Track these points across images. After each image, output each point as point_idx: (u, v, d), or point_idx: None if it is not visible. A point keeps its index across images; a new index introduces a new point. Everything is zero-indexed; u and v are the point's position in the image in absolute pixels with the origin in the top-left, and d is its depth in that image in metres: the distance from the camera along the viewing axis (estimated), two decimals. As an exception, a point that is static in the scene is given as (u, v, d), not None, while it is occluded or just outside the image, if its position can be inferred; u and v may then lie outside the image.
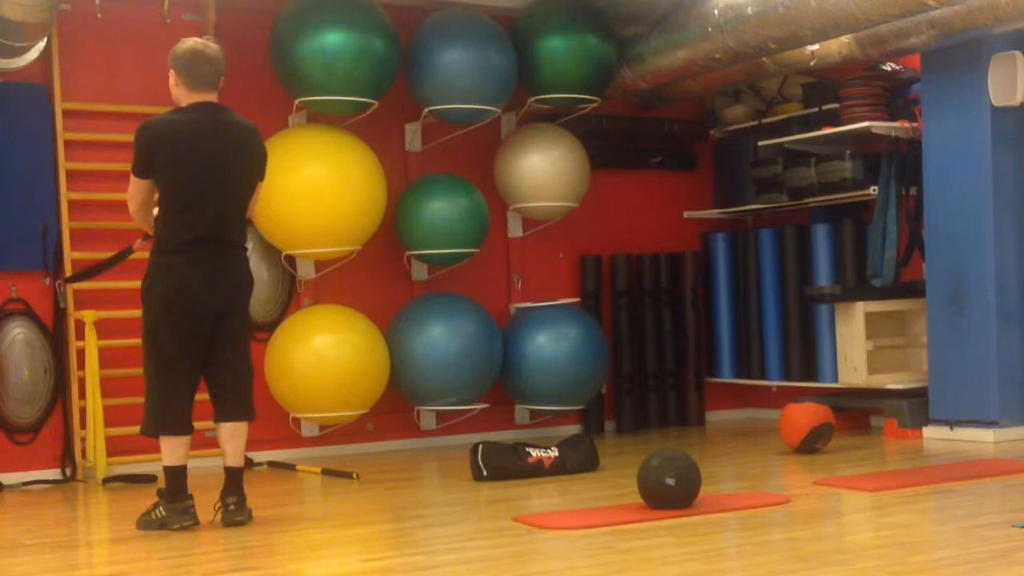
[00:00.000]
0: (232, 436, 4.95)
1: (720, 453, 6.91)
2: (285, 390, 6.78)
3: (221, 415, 4.97)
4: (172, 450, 4.83)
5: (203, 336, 4.85)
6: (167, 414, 4.82)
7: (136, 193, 4.90)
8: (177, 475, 4.82)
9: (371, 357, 6.84)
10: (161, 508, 4.83)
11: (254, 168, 5.02)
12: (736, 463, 6.51)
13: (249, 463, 6.62)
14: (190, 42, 4.94)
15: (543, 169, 7.40)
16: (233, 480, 4.92)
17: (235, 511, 4.89)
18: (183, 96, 4.90)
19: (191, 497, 4.84)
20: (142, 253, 5.69)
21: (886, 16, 5.97)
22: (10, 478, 6.32)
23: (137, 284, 6.47)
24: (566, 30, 7.21)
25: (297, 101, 6.84)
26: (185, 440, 4.86)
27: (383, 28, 6.78)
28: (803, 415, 6.50)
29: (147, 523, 4.84)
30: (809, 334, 7.73)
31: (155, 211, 4.95)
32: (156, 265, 4.86)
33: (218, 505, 4.92)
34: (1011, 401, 6.69)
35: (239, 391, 4.98)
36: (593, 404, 7.83)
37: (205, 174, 4.81)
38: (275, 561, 4.35)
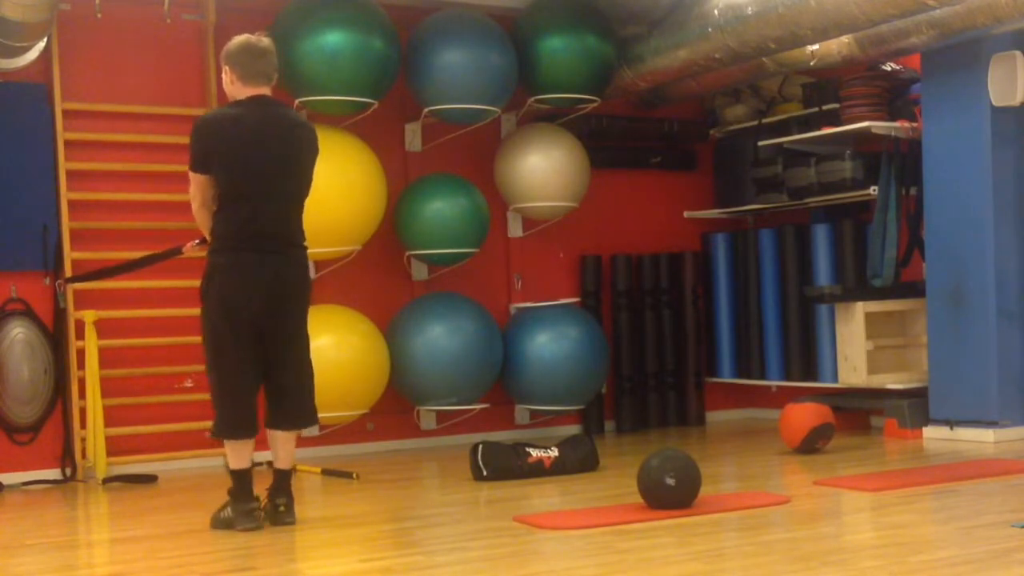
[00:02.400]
0: (286, 441, 4.94)
1: (720, 453, 6.91)
2: (285, 390, 6.78)
3: (276, 422, 4.93)
4: (236, 453, 4.81)
5: (260, 336, 4.79)
6: (235, 417, 4.79)
7: (196, 190, 4.80)
8: (243, 477, 4.80)
9: (371, 357, 6.85)
10: (229, 508, 4.83)
11: (310, 164, 4.95)
12: (736, 463, 6.51)
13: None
14: (242, 37, 4.89)
15: (543, 169, 7.40)
16: (283, 481, 4.91)
17: (285, 512, 4.89)
18: (238, 92, 4.83)
19: (257, 499, 4.84)
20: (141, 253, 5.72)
21: (886, 16, 5.97)
22: (10, 478, 6.32)
23: (138, 284, 6.55)
24: (566, 30, 7.20)
25: (297, 101, 6.83)
26: (250, 443, 4.83)
27: (383, 28, 6.78)
28: (803, 415, 6.50)
29: (218, 521, 4.86)
30: (809, 334, 7.73)
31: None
32: (213, 265, 4.78)
33: (265, 503, 4.92)
34: (1011, 401, 6.69)
35: (296, 398, 4.91)
36: (593, 404, 7.83)
37: (261, 170, 4.75)
38: (275, 561, 4.35)
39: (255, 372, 4.82)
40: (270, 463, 6.72)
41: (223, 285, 4.74)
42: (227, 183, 4.76)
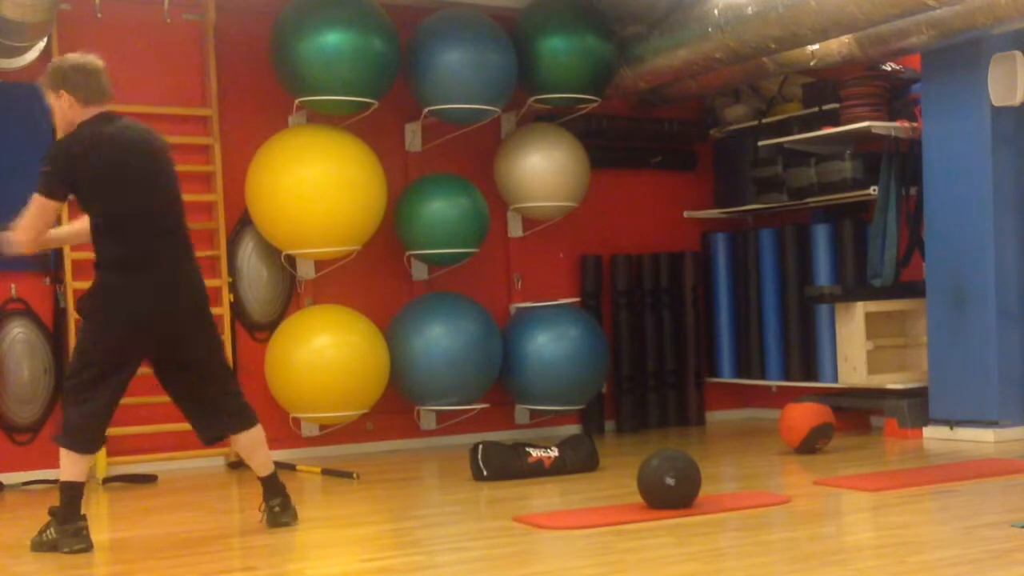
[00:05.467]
0: (254, 448, 4.85)
1: (720, 453, 6.91)
2: (285, 390, 6.79)
3: (230, 429, 4.83)
4: (79, 464, 4.56)
5: (144, 357, 4.69)
6: (97, 432, 4.59)
7: (38, 218, 4.63)
8: (75, 492, 4.55)
9: (371, 357, 6.84)
10: (52, 529, 4.55)
11: (172, 170, 4.80)
12: (736, 463, 6.51)
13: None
14: (71, 57, 4.70)
15: (543, 169, 7.40)
16: (271, 486, 4.85)
17: (280, 512, 4.84)
18: (78, 115, 4.61)
19: (84, 517, 4.56)
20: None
21: (886, 16, 5.97)
22: (10, 478, 6.32)
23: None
24: (566, 30, 7.21)
25: (297, 101, 6.84)
26: (93, 458, 4.69)
27: (383, 28, 6.78)
28: (803, 415, 6.50)
29: (40, 545, 4.57)
30: (809, 334, 7.73)
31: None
32: (103, 287, 4.63)
33: (262, 507, 4.88)
34: (1011, 401, 6.69)
35: (235, 402, 4.82)
36: (593, 404, 7.83)
37: (131, 189, 4.60)
38: (275, 561, 4.35)
39: (122, 390, 4.67)
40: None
41: (122, 305, 4.58)
42: (103, 209, 4.61)
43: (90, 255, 6.41)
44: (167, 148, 4.84)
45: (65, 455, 4.58)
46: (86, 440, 4.58)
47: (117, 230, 4.62)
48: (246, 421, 4.83)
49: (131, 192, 4.62)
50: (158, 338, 4.66)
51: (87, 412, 4.57)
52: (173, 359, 4.74)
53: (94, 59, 4.72)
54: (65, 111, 4.66)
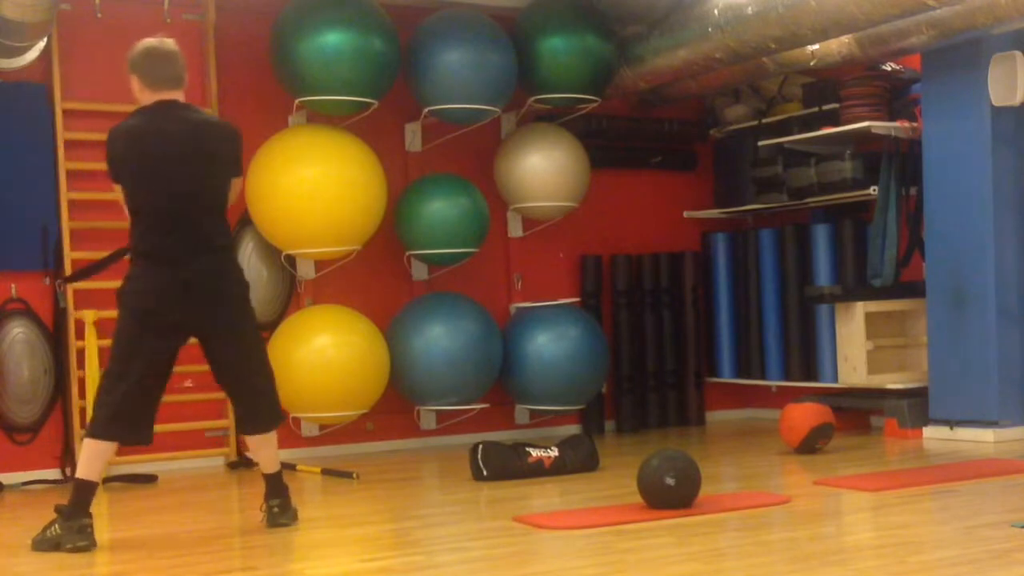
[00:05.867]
0: (262, 446, 4.89)
1: (720, 453, 6.91)
2: (285, 390, 6.72)
3: (245, 428, 4.92)
4: (96, 460, 4.57)
5: (174, 348, 4.70)
6: (105, 417, 4.59)
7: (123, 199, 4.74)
8: (86, 491, 4.56)
9: (371, 357, 6.85)
10: (57, 526, 4.53)
11: (221, 166, 4.76)
12: (736, 463, 6.51)
13: (249, 463, 6.63)
14: (145, 42, 4.76)
15: (543, 169, 7.40)
16: (273, 485, 4.87)
17: (279, 513, 4.85)
18: (145, 99, 4.70)
19: (90, 515, 4.56)
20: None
21: (886, 16, 5.97)
22: (10, 478, 6.32)
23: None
24: (566, 30, 7.21)
25: (297, 101, 6.84)
26: (109, 453, 4.63)
27: (383, 28, 6.79)
28: (803, 415, 6.50)
29: (43, 543, 4.55)
30: (809, 334, 7.73)
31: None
32: (129, 276, 4.69)
33: (263, 507, 4.89)
34: (1011, 401, 6.69)
35: (258, 403, 4.86)
36: (593, 404, 7.83)
37: (163, 180, 4.61)
38: (275, 561, 4.35)
39: (159, 384, 4.69)
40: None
41: (135, 298, 4.63)
42: (133, 196, 4.66)
43: (89, 255, 6.48)
44: (216, 144, 4.75)
45: (85, 450, 4.61)
46: (99, 426, 4.60)
47: (137, 223, 4.68)
48: (259, 426, 4.88)
49: (146, 186, 4.65)
50: (167, 334, 4.68)
51: (105, 401, 4.62)
52: (205, 351, 4.78)
53: (166, 44, 4.74)
54: (136, 95, 4.74)
